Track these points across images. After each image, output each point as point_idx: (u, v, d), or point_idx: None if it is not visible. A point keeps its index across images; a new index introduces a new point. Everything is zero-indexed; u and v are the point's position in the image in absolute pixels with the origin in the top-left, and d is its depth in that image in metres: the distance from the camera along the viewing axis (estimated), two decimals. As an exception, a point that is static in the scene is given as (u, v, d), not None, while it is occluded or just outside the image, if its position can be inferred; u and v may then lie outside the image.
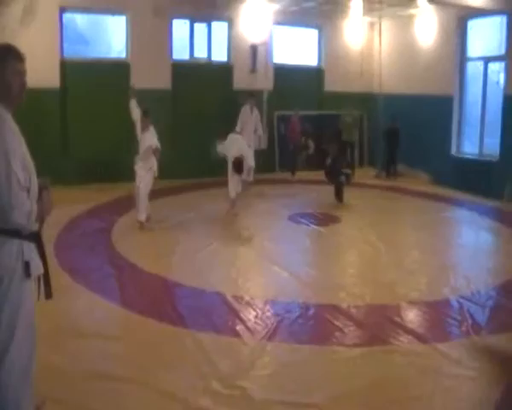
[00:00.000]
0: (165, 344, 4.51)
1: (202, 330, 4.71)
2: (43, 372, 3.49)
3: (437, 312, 5.31)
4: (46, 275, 3.06)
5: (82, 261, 6.55)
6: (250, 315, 5.03)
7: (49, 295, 3.09)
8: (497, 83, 11.32)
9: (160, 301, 5.41)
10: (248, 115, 11.27)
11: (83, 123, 11.29)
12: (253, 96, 11.35)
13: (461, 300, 5.57)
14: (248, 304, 5.28)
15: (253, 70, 12.72)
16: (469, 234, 8.93)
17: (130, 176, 10.22)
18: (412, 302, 5.47)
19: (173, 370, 4.08)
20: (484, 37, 11.78)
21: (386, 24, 13.81)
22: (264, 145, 12.31)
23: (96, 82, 11.27)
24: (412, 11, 12.70)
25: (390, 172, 13.14)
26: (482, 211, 9.85)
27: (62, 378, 3.88)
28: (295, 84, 13.24)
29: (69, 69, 11.19)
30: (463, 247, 8.09)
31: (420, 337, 4.68)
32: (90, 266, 6.39)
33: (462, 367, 4.20)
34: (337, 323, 4.90)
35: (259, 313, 5.09)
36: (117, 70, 11.57)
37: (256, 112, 11.53)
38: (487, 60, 11.54)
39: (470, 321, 5.04)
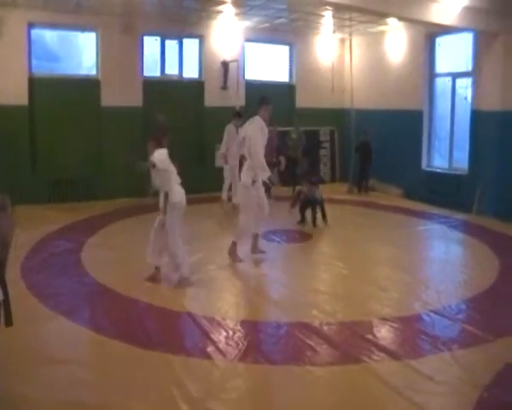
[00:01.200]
0: (135, 368, 4.42)
1: (173, 353, 4.63)
2: (11, 403, 3.37)
3: (409, 327, 5.32)
4: (6, 302, 2.97)
5: (50, 284, 6.39)
6: (221, 336, 4.96)
7: (9, 322, 3.00)
8: (465, 98, 11.54)
9: (131, 323, 5.31)
10: (234, 135, 10.49)
11: (52, 141, 11.15)
12: (239, 116, 10.72)
13: (432, 314, 5.62)
14: (219, 325, 5.21)
15: (225, 87, 12.76)
16: (440, 248, 9.02)
17: (100, 194, 10.13)
18: (384, 319, 5.46)
19: (144, 394, 4.00)
20: (452, 53, 12.01)
21: (357, 40, 13.98)
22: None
23: (65, 99, 11.15)
24: (382, 28, 12.90)
25: (362, 186, 13.23)
26: (452, 224, 9.98)
27: (31, 409, 3.76)
28: (267, 100, 13.29)
29: (38, 86, 11.05)
30: (434, 261, 8.16)
31: (392, 354, 4.67)
32: (59, 288, 6.24)
33: (434, 383, 4.21)
34: (309, 342, 4.86)
35: (231, 333, 5.03)
36: (87, 87, 11.49)
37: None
38: (455, 76, 11.77)
39: (441, 336, 5.08)
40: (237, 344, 4.80)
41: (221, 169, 12.24)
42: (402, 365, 4.50)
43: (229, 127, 10.83)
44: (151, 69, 12.38)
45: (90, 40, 11.70)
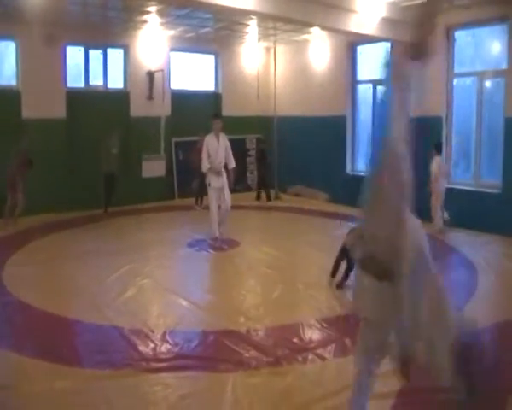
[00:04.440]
0: (62, 387, 4.29)
1: (99, 368, 4.56)
2: None
3: (335, 328, 5.46)
4: None
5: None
6: (148, 348, 4.93)
7: None
8: (385, 104, 11.99)
9: (55, 340, 5.18)
10: (214, 145, 8.80)
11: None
12: (218, 117, 9.12)
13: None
14: (147, 337, 5.18)
15: (150, 97, 12.69)
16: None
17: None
18: (311, 321, 5.60)
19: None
20: (372, 61, 12.49)
21: (282, 49, 14.26)
22: (161, 172, 12.16)
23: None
24: (305, 37, 13.20)
25: (260, 195, 13.28)
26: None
27: None
28: (193, 109, 13.31)
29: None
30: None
31: (319, 355, 4.81)
32: (-23, 309, 5.99)
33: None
34: (237, 348, 4.92)
35: (158, 344, 5.01)
36: (6, 98, 11.05)
37: (225, 139, 9.00)
38: (376, 82, 12.22)
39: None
40: (165, 355, 4.80)
41: (149, 180, 12.10)
42: (328, 364, 4.65)
43: (210, 136, 8.92)
44: (75, 80, 12.12)
45: (9, 49, 11.31)
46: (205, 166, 8.77)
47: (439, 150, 9.62)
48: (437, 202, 9.46)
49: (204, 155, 8.73)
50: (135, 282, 6.87)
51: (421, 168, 10.57)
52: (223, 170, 8.89)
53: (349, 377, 4.35)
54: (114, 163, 11.12)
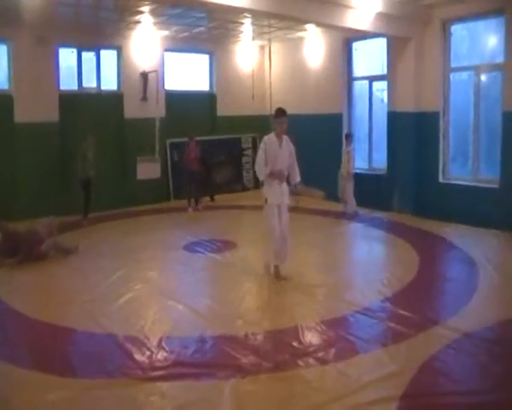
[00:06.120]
0: (54, 398, 4.15)
1: (93, 378, 4.44)
2: None
3: (334, 330, 5.35)
4: None
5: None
6: (144, 356, 4.80)
7: None
8: (382, 100, 11.92)
9: (48, 350, 5.05)
10: (275, 150, 6.82)
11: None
12: (283, 114, 6.84)
13: (357, 315, 5.73)
14: (142, 344, 5.04)
15: (145, 98, 12.58)
16: (363, 247, 9.22)
17: (16, 216, 9.55)
18: (310, 324, 5.48)
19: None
20: (368, 57, 12.38)
21: (276, 47, 14.16)
22: (156, 174, 12.06)
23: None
24: (300, 34, 13.10)
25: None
26: (374, 223, 10.25)
27: None
28: (188, 110, 13.22)
29: None
30: (358, 260, 8.34)
31: (319, 359, 4.69)
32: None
33: (362, 384, 4.24)
34: (235, 354, 4.79)
35: (154, 352, 4.87)
36: (-2, 103, 10.94)
37: (289, 143, 7.04)
38: (372, 79, 12.14)
39: (366, 336, 5.17)
40: (161, 363, 4.67)
41: (144, 182, 11.95)
42: (329, 368, 4.52)
43: (269, 140, 6.88)
44: (68, 82, 11.98)
45: (0, 53, 11.17)
46: (262, 171, 6.78)
47: (349, 140, 11.18)
48: (348, 187, 11.11)
49: (260, 159, 6.77)
50: (129, 287, 6.75)
51: (418, 159, 10.59)
52: (285, 183, 7.00)
53: (351, 381, 4.29)
54: (90, 168, 10.56)
